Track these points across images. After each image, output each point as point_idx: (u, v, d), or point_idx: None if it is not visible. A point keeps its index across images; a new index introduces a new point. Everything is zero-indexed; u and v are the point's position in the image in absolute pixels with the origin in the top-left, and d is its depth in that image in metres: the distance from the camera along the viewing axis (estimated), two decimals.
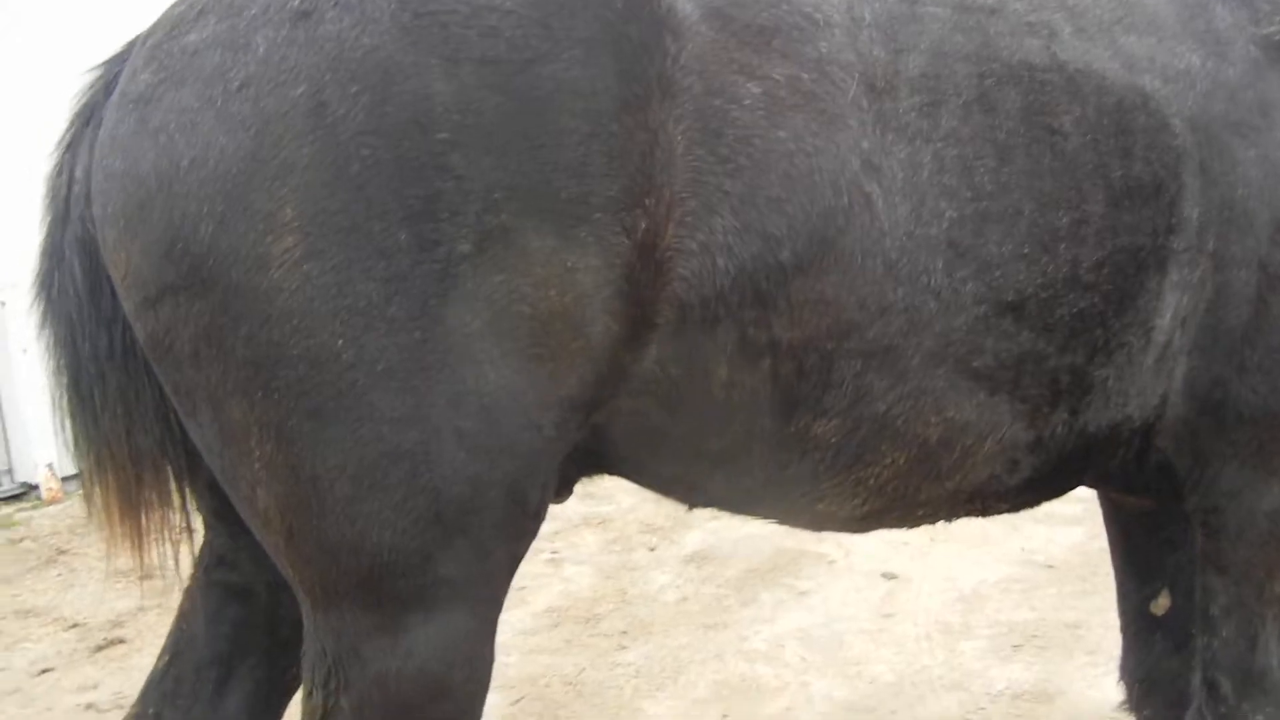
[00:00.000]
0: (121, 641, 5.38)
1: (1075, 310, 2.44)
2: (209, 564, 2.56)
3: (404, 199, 1.97)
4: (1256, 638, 2.75)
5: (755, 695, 4.60)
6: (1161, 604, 3.01)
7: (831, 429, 2.34)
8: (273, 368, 1.99)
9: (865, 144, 2.26)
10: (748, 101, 2.19)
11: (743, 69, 2.20)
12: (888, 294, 2.27)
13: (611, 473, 2.49)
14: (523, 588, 5.46)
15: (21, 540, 6.78)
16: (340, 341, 1.98)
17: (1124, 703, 3.16)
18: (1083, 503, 5.95)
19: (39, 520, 7.02)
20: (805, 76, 2.25)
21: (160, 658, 2.60)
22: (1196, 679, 2.84)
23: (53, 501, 7.37)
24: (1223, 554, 2.73)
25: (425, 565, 2.09)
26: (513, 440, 2.09)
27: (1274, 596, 2.74)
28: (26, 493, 7.45)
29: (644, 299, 2.14)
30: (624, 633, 5.21)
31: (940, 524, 2.76)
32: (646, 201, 2.10)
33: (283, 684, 2.56)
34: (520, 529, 2.21)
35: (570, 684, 4.77)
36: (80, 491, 6.59)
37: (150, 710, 2.55)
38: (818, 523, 2.68)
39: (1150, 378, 2.57)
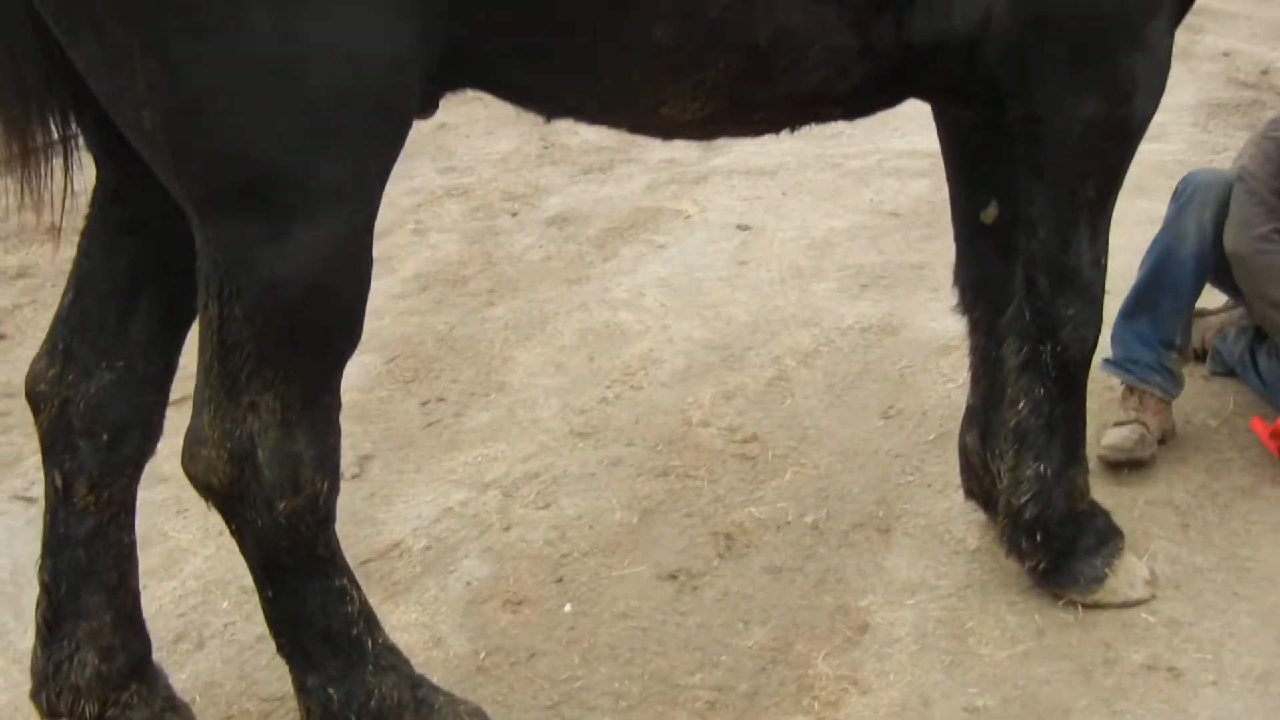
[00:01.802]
0: (2, 337, 5.43)
1: None
2: (103, 201, 2.63)
3: None
4: (1069, 239, 3.01)
5: (619, 339, 4.85)
6: (990, 214, 3.22)
7: (668, 34, 2.45)
8: None
9: None
10: None
11: None
12: None
13: (477, 87, 2.60)
14: (390, 257, 5.57)
15: None
16: None
17: (956, 306, 3.41)
18: (930, 158, 6.22)
19: None
20: None
21: (64, 296, 2.68)
22: (1019, 277, 3.10)
23: None
24: (1042, 160, 2.96)
25: (304, 172, 2.21)
26: (376, 50, 2.20)
27: (1086, 200, 2.99)
28: None
29: None
30: (491, 290, 5.39)
31: (782, 135, 2.98)
32: None
33: (180, 312, 2.67)
34: (389, 136, 2.35)
35: (442, 340, 4.96)
36: None
37: (60, 345, 2.65)
38: (666, 130, 2.82)
39: None
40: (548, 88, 2.62)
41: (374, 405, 4.54)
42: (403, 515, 3.87)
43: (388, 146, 2.36)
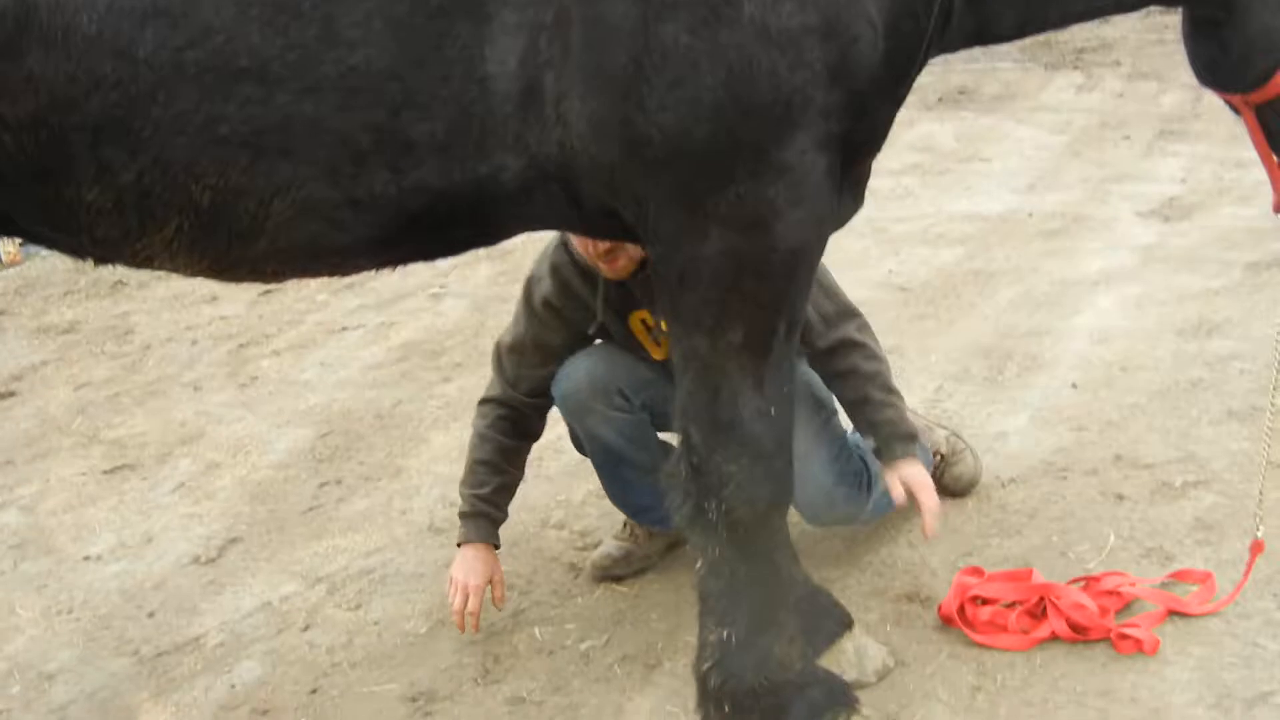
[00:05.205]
0: (11, 394, 5.25)
1: (344, 69, 2.29)
2: None
3: None
4: (719, 389, 2.62)
5: None
6: None
7: (99, 196, 2.33)
8: None
9: None
10: None
11: None
12: (98, 68, 2.23)
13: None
14: (391, 324, 4.91)
15: None
16: None
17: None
18: (985, 221, 6.01)
19: None
20: None
21: None
22: (676, 427, 2.77)
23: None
24: (674, 302, 2.60)
25: None
26: None
27: (731, 347, 2.58)
28: None
29: None
30: (458, 365, 5.26)
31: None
32: None
33: None
34: None
35: (381, 417, 5.01)
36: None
37: None
38: (206, 276, 2.62)
39: (520, 126, 2.38)
40: (47, 240, 2.56)
41: (276, 485, 4.55)
42: (223, 607, 3.81)
43: None
